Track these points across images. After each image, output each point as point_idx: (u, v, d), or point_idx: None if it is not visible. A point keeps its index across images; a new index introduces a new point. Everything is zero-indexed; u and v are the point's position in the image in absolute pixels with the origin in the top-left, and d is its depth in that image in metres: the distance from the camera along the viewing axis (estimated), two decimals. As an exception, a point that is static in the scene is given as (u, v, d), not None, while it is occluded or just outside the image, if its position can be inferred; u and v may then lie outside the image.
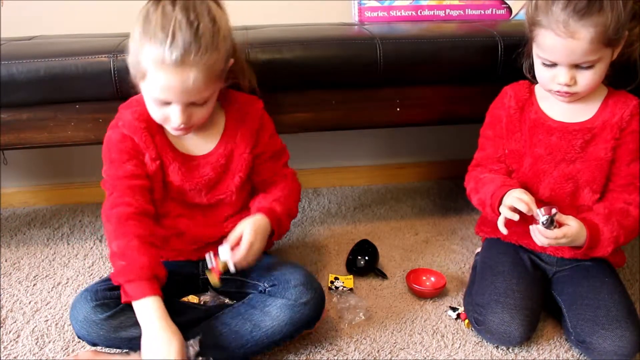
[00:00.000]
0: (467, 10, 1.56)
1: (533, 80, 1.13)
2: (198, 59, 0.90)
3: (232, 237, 1.02)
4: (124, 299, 0.94)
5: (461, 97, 1.29)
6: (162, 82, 0.92)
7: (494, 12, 1.57)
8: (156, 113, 0.98)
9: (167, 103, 0.95)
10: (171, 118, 0.97)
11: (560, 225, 1.03)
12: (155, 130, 1.04)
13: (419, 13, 1.55)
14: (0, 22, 1.52)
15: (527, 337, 1.07)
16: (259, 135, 1.11)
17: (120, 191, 1.02)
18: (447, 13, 1.56)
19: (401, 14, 1.55)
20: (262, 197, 1.13)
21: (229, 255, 0.99)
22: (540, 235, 1.03)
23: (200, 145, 1.09)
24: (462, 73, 1.27)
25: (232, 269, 1.00)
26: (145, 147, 1.04)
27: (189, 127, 1.00)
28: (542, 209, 1.01)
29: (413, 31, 1.38)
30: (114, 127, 1.05)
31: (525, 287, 1.08)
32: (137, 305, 0.93)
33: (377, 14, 1.55)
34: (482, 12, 1.57)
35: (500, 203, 1.06)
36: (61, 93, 1.17)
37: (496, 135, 1.16)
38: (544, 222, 1.01)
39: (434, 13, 1.56)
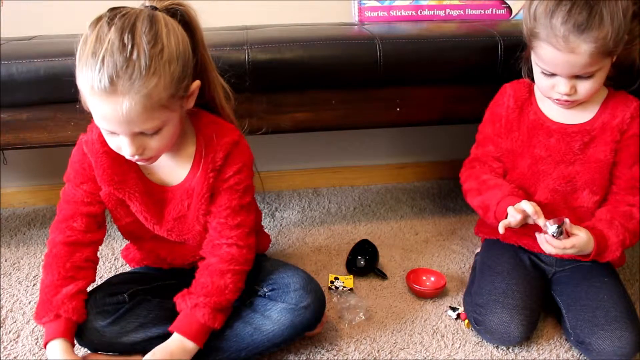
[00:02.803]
0: (467, 10, 1.56)
1: (533, 80, 1.13)
2: (129, 86, 0.80)
3: None
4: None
5: (461, 97, 1.29)
6: (97, 111, 0.84)
7: (494, 12, 1.57)
8: (109, 142, 0.91)
9: (115, 132, 0.87)
10: (122, 148, 0.89)
11: (569, 234, 1.01)
12: (122, 157, 0.93)
13: (419, 13, 1.55)
14: (0, 22, 1.52)
15: (527, 336, 1.07)
16: (221, 171, 0.98)
17: (63, 215, 1.00)
18: (447, 13, 1.56)
19: (401, 14, 1.55)
20: (184, 298, 0.96)
21: None
22: (547, 245, 1.02)
23: (172, 173, 1.00)
24: (462, 73, 1.27)
25: None
26: (99, 172, 0.97)
27: (148, 157, 0.91)
28: (550, 220, 1.00)
29: (413, 31, 1.38)
30: (80, 142, 1.00)
31: (524, 287, 1.08)
32: (47, 348, 0.94)
33: (377, 14, 1.55)
34: (482, 12, 1.57)
35: (507, 215, 1.03)
36: (61, 93, 1.16)
37: (495, 134, 1.16)
38: (554, 233, 0.99)
39: (434, 13, 1.56)
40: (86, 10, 1.53)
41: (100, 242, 1.04)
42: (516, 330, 1.03)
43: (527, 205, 1.00)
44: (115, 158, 0.96)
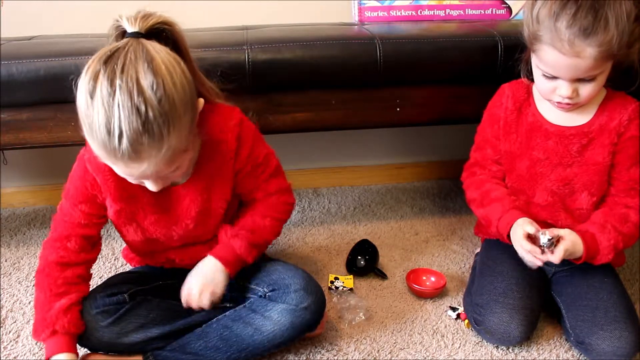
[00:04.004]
0: (467, 10, 1.56)
1: (531, 80, 1.12)
2: (154, 152, 0.80)
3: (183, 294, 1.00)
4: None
5: (461, 97, 1.29)
6: (121, 171, 0.84)
7: (494, 12, 1.57)
8: (130, 181, 0.90)
9: None
10: (146, 185, 0.90)
11: (558, 240, 1.02)
12: None
13: (419, 13, 1.56)
14: (0, 22, 1.52)
15: (527, 336, 1.07)
16: (238, 153, 1.00)
17: (58, 234, 1.00)
18: (447, 13, 1.56)
19: (401, 14, 1.55)
20: (225, 229, 1.03)
21: None
22: (531, 258, 1.03)
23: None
24: (462, 73, 1.27)
25: None
26: (108, 190, 0.96)
27: (170, 183, 0.94)
28: (544, 231, 1.01)
29: (413, 31, 1.38)
30: (81, 158, 0.98)
31: (524, 287, 1.08)
32: None
33: (377, 14, 1.55)
34: (482, 12, 1.57)
35: (509, 231, 1.07)
36: (61, 93, 1.16)
37: (494, 137, 1.16)
38: (545, 245, 1.00)
39: (434, 13, 1.56)
40: (86, 11, 1.55)
41: (93, 261, 1.04)
42: (516, 330, 1.03)
43: (529, 228, 1.03)
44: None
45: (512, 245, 1.18)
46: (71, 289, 0.98)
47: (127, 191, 0.97)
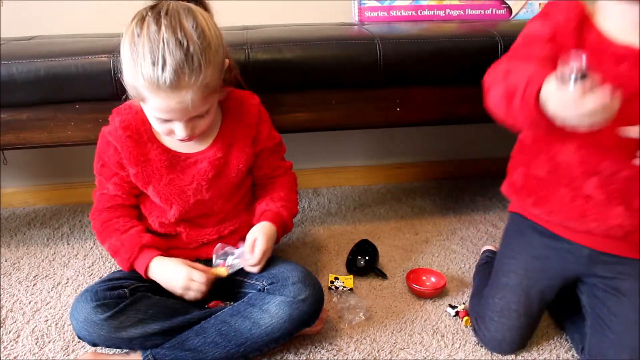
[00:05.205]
0: (467, 10, 1.57)
1: None
2: (193, 80, 0.90)
3: (247, 245, 1.06)
4: (145, 277, 1.05)
5: (461, 97, 1.29)
6: (161, 105, 0.93)
7: (494, 12, 1.57)
8: (159, 128, 1.00)
9: (170, 120, 0.97)
10: (175, 132, 0.98)
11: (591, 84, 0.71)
12: (144, 138, 1.05)
13: (419, 13, 1.56)
14: (0, 22, 1.52)
15: (520, 348, 1.06)
16: (259, 129, 1.11)
17: (102, 205, 1.11)
18: (447, 13, 1.56)
19: (401, 14, 1.55)
20: (268, 200, 1.14)
21: (238, 260, 1.07)
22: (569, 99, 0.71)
23: (197, 143, 1.08)
24: (462, 73, 1.27)
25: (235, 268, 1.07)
26: (126, 155, 1.05)
27: (196, 135, 1.01)
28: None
29: (413, 31, 1.38)
30: (103, 134, 1.08)
31: (524, 305, 1.04)
32: (149, 274, 1.05)
33: (377, 14, 1.55)
34: (482, 12, 1.57)
35: (538, 91, 0.76)
36: (61, 93, 1.17)
37: (539, 57, 0.88)
38: (575, 76, 0.70)
39: (434, 13, 1.56)
40: (86, 11, 1.55)
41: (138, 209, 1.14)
42: (508, 347, 1.04)
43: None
44: (138, 140, 1.05)
45: (538, 237, 1.06)
46: (135, 221, 1.10)
47: (143, 156, 1.06)
